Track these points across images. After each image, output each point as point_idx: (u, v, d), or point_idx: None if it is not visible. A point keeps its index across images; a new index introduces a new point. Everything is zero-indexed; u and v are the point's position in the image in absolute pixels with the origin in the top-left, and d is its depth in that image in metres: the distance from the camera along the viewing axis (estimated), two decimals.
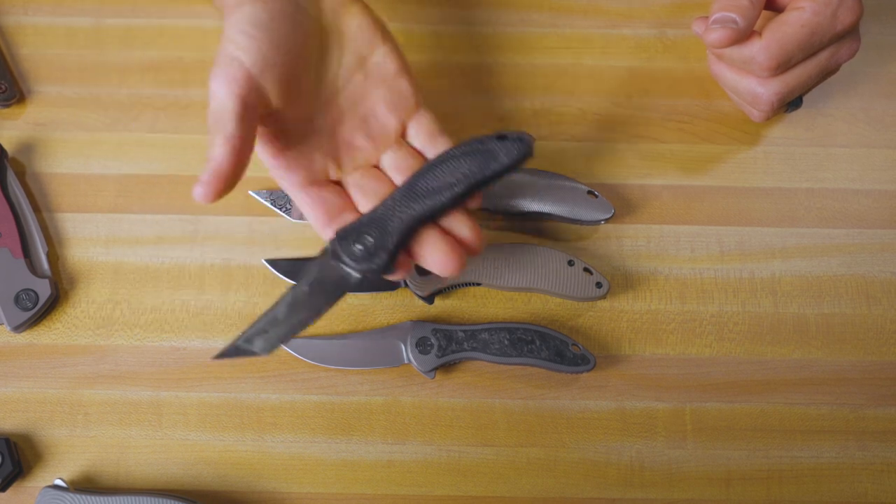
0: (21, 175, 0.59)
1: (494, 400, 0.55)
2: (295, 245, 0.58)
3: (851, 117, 0.62)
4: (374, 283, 0.57)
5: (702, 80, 0.62)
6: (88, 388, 0.55)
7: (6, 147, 0.59)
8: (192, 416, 0.55)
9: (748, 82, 0.55)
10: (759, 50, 0.52)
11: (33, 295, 0.55)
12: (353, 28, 0.50)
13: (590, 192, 0.57)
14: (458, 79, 0.62)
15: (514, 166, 0.47)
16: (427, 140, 0.50)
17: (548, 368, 0.55)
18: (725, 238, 0.59)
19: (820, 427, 0.55)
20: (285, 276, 0.57)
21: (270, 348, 0.47)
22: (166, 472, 0.54)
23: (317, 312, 0.47)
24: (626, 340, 0.56)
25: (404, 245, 0.47)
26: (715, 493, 0.54)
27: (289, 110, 0.47)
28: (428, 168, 0.47)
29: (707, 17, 0.53)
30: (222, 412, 0.55)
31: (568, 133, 0.61)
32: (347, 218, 0.48)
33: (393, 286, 0.57)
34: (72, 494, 0.51)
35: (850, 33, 0.54)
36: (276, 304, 0.47)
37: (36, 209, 0.58)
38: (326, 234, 0.48)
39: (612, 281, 0.57)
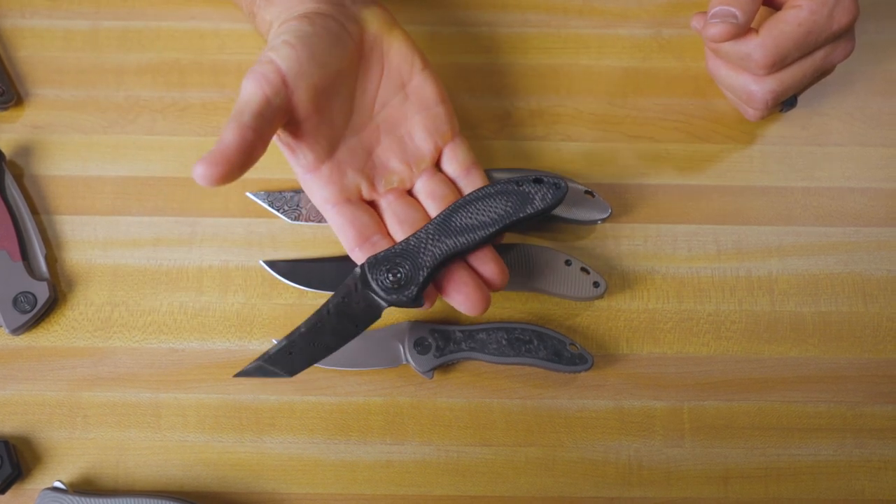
0: (19, 178, 0.59)
1: (493, 400, 0.55)
2: (293, 246, 0.58)
3: (847, 116, 0.62)
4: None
5: (698, 80, 0.62)
6: (87, 391, 0.55)
7: (4, 150, 0.59)
8: (190, 417, 0.55)
9: (743, 79, 0.55)
10: (755, 47, 0.52)
11: (32, 297, 0.55)
12: (395, 52, 0.51)
13: (587, 192, 0.57)
14: (455, 80, 0.62)
15: (548, 211, 0.49)
16: (461, 170, 0.52)
17: (546, 368, 0.55)
18: (722, 237, 0.59)
19: (817, 425, 0.55)
20: (283, 277, 0.57)
21: (294, 371, 0.48)
22: (165, 474, 0.54)
23: (342, 338, 0.48)
24: (623, 340, 0.57)
25: (433, 279, 0.48)
26: (713, 492, 0.54)
27: (321, 124, 0.48)
28: (463, 204, 0.47)
29: (706, 13, 0.53)
30: (221, 413, 0.55)
31: (564, 133, 0.61)
32: (377, 241, 0.49)
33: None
34: (71, 496, 0.51)
35: (846, 33, 0.54)
36: (300, 326, 0.47)
37: (34, 212, 0.58)
38: (356, 255, 0.49)
39: (609, 280, 0.57)
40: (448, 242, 0.47)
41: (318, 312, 0.48)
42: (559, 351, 0.54)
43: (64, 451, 0.54)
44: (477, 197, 0.49)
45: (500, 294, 0.57)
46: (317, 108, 0.47)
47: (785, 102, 0.58)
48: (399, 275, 0.47)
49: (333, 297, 0.48)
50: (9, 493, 0.53)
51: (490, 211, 0.48)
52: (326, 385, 0.55)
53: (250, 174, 0.59)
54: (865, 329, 0.57)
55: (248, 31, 0.63)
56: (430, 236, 0.47)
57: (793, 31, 0.52)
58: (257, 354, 0.56)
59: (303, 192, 0.58)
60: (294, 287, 0.57)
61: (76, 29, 0.63)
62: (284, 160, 0.60)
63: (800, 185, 0.60)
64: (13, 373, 0.56)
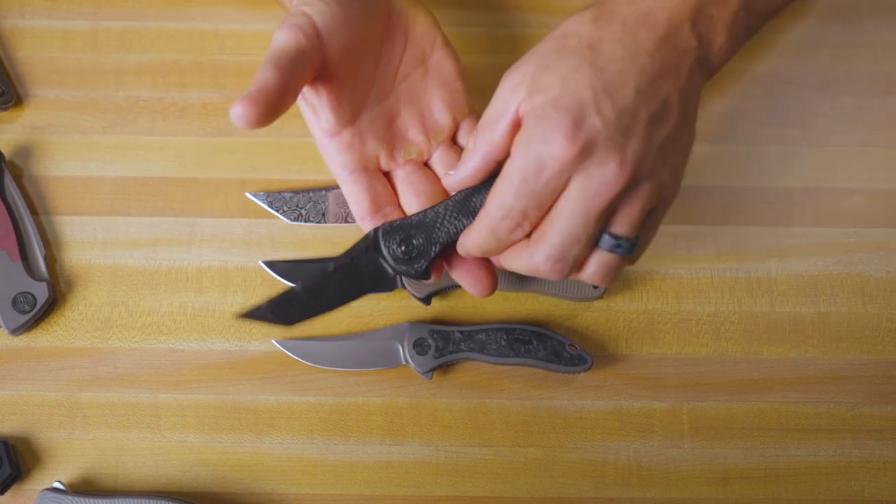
0: (18, 178, 0.59)
1: (492, 400, 0.55)
2: (292, 247, 0.58)
3: (847, 116, 0.62)
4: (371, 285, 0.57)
5: None
6: (86, 391, 0.55)
7: (3, 150, 0.59)
8: (190, 418, 0.55)
9: (521, 258, 0.44)
10: (481, 217, 0.44)
11: (31, 298, 0.55)
12: (419, 26, 0.51)
13: None
14: None
15: None
16: None
17: (545, 368, 0.55)
18: (721, 238, 0.59)
19: (817, 425, 0.55)
20: (283, 277, 0.57)
21: (292, 321, 0.47)
22: (165, 474, 0.54)
23: (344, 298, 0.48)
24: (622, 340, 0.57)
25: (443, 254, 0.47)
26: (712, 492, 0.54)
27: (346, 87, 0.47)
28: (483, 186, 0.46)
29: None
30: (220, 414, 0.55)
31: None
32: (389, 212, 0.49)
33: (391, 287, 0.57)
34: (70, 497, 0.51)
35: (589, 160, 0.41)
36: (304, 280, 0.47)
37: (33, 212, 0.58)
38: (366, 224, 0.49)
39: None
40: (464, 222, 0.46)
41: (324, 269, 0.47)
42: (558, 352, 0.54)
43: (63, 452, 0.54)
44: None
45: (499, 294, 0.57)
46: (345, 69, 0.47)
47: (616, 248, 0.44)
48: (411, 246, 0.46)
49: (341, 256, 0.47)
50: (8, 494, 0.53)
51: None
52: (326, 385, 0.55)
53: (250, 174, 0.60)
54: (864, 330, 0.57)
55: (248, 32, 0.63)
56: (448, 213, 0.47)
57: (505, 187, 0.42)
58: (257, 355, 0.56)
59: (302, 192, 0.58)
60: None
61: (76, 29, 0.63)
62: (284, 160, 0.60)
63: (799, 185, 0.60)
64: (12, 373, 0.56)
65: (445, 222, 0.47)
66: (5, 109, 0.61)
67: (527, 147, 0.42)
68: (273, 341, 0.56)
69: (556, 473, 0.54)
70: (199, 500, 0.53)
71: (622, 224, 0.43)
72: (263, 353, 0.56)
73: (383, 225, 0.47)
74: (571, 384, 0.56)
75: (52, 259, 0.58)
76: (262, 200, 0.58)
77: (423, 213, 0.47)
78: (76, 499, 0.51)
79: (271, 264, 0.57)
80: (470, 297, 0.57)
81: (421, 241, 0.46)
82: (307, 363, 0.55)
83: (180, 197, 0.59)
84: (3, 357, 0.56)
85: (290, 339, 0.56)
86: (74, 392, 0.55)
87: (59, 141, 0.60)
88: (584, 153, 0.41)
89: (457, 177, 0.46)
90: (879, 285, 0.58)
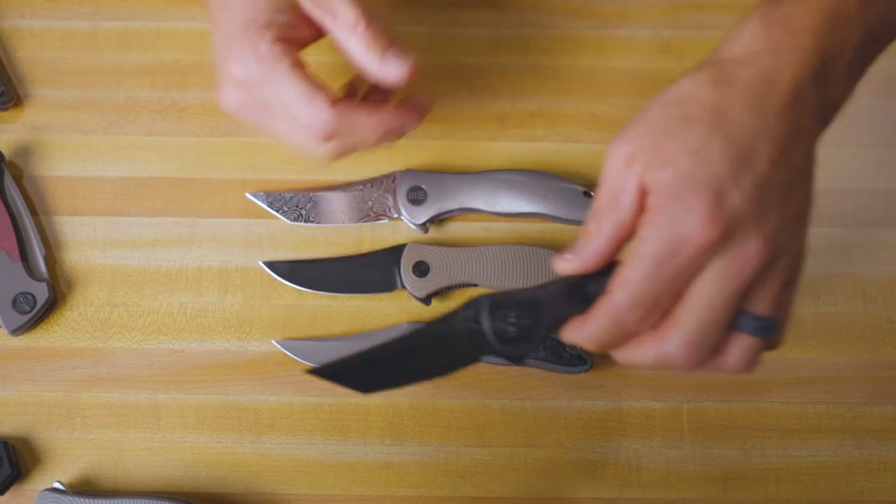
0: (18, 178, 0.59)
1: (492, 401, 0.55)
2: (292, 247, 0.58)
3: (846, 116, 0.61)
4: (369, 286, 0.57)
5: None
6: (86, 391, 0.55)
7: (3, 150, 0.59)
8: (189, 418, 0.55)
9: (646, 351, 0.41)
10: (604, 307, 0.40)
11: (31, 298, 0.55)
12: None
13: (586, 193, 0.57)
14: (454, 80, 0.62)
15: None
16: None
17: (545, 369, 0.55)
18: None
19: (817, 426, 0.55)
20: (282, 278, 0.57)
21: (369, 389, 0.43)
22: (164, 475, 0.54)
23: (433, 369, 0.43)
24: None
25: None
26: (712, 493, 0.54)
27: None
28: (600, 273, 0.41)
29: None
30: (220, 414, 0.55)
31: (564, 134, 0.61)
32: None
33: (391, 287, 0.57)
34: (70, 497, 0.51)
35: (734, 241, 0.38)
36: (389, 342, 0.43)
37: (33, 212, 0.58)
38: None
39: None
40: (576, 308, 0.41)
41: (415, 332, 0.43)
42: (558, 352, 0.54)
43: (63, 452, 0.54)
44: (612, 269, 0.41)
45: None
46: None
47: (760, 329, 0.40)
48: (518, 326, 0.41)
49: (435, 322, 0.43)
50: (8, 494, 0.53)
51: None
52: (326, 385, 0.55)
53: (249, 175, 0.60)
54: (865, 330, 0.57)
55: None
56: (560, 297, 0.42)
57: (635, 273, 0.39)
58: (257, 355, 0.56)
59: (302, 192, 0.58)
60: (293, 288, 0.57)
61: (75, 29, 0.63)
62: (284, 160, 0.60)
63: None
64: (12, 373, 0.55)
65: (555, 307, 0.42)
66: (5, 109, 0.60)
67: (660, 229, 0.38)
68: (273, 342, 0.56)
69: (556, 473, 0.54)
70: (199, 501, 0.53)
71: (762, 303, 0.39)
72: (263, 353, 0.56)
73: (490, 297, 0.42)
74: (571, 384, 0.56)
75: (52, 259, 0.58)
76: (262, 200, 0.58)
77: (532, 292, 0.42)
78: (76, 499, 0.51)
79: (271, 264, 0.57)
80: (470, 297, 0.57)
81: (527, 322, 0.41)
82: (307, 364, 0.55)
83: (180, 197, 0.59)
84: (3, 357, 0.56)
85: (290, 339, 0.56)
86: (74, 392, 0.55)
87: (59, 141, 0.60)
88: (726, 233, 0.37)
89: (578, 261, 0.41)
90: (879, 285, 0.58)
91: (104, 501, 0.51)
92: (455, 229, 0.59)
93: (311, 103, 0.47)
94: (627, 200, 0.39)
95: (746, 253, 0.38)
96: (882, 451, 0.55)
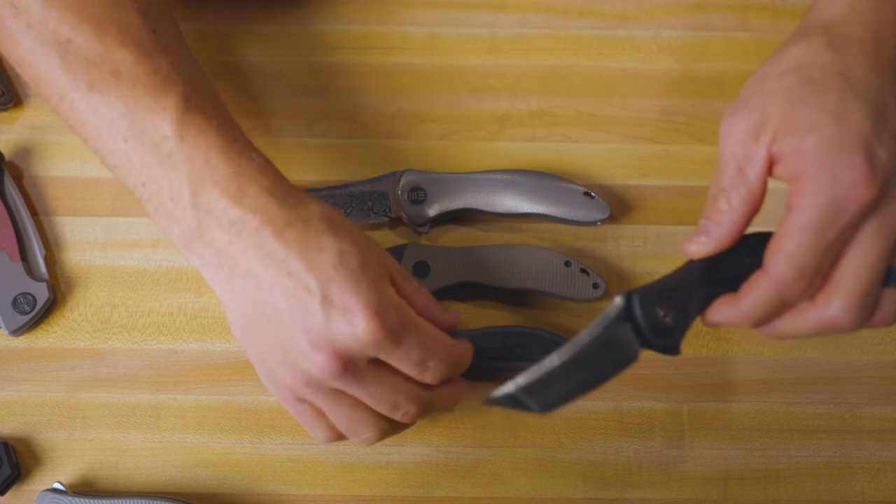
0: (18, 179, 0.59)
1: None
2: None
3: None
4: None
5: (697, 81, 0.62)
6: (86, 392, 0.55)
7: (3, 151, 0.59)
8: (190, 418, 0.55)
9: (808, 318, 0.41)
10: (764, 282, 0.40)
11: (31, 298, 0.55)
12: None
13: (586, 194, 0.57)
14: (454, 80, 0.62)
15: None
16: None
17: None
18: None
19: (817, 426, 0.55)
20: None
21: (548, 407, 0.42)
22: (164, 475, 0.54)
23: (599, 376, 0.43)
24: None
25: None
26: (712, 493, 0.54)
27: None
28: (737, 250, 0.42)
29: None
30: (220, 415, 0.55)
31: (564, 134, 0.61)
32: None
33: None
34: (70, 498, 0.51)
35: (887, 200, 0.39)
36: (556, 355, 0.42)
37: (33, 213, 0.58)
38: None
39: (608, 282, 0.57)
40: (717, 290, 0.41)
41: (575, 345, 0.42)
42: None
43: (63, 453, 0.54)
44: (743, 245, 0.42)
45: (498, 295, 0.57)
46: None
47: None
48: (671, 316, 0.41)
49: (593, 327, 0.42)
50: (8, 495, 0.53)
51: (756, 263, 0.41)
52: None
53: None
54: (865, 331, 0.57)
55: (248, 32, 0.63)
56: (698, 281, 0.41)
57: (798, 244, 0.39)
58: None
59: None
60: None
61: None
62: (284, 160, 0.59)
63: None
64: (12, 374, 0.56)
65: (697, 291, 0.41)
66: (5, 110, 0.60)
67: (817, 195, 0.38)
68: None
69: (557, 474, 0.54)
70: (198, 501, 0.53)
71: None
72: None
73: (639, 290, 0.42)
74: None
75: (51, 260, 0.58)
76: None
77: (672, 280, 0.42)
78: (76, 499, 0.51)
79: None
80: (470, 298, 0.57)
81: (678, 311, 0.41)
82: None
83: None
84: (3, 358, 0.56)
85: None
86: (74, 393, 0.55)
87: (59, 141, 0.60)
88: (881, 192, 0.38)
89: (713, 241, 0.41)
90: None
91: (104, 502, 0.51)
92: (455, 229, 0.59)
93: (444, 340, 0.44)
94: (756, 173, 0.40)
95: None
96: (883, 452, 0.55)
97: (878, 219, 0.39)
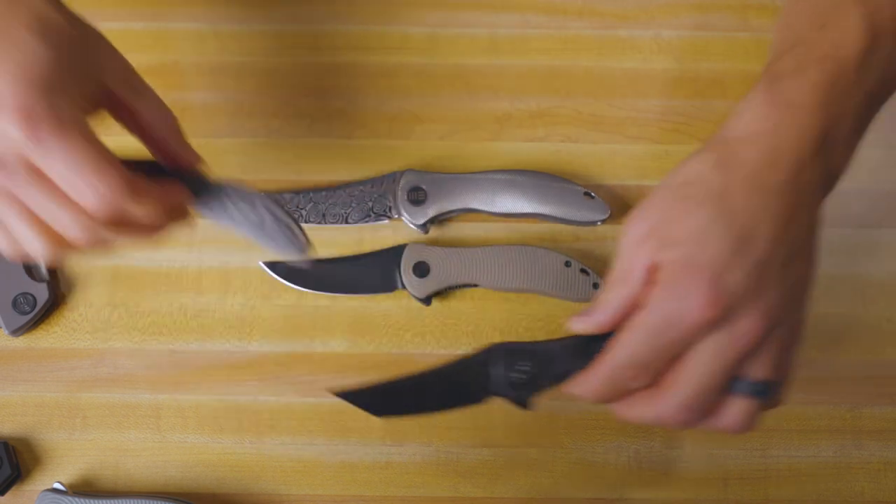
0: None
1: (492, 401, 0.55)
2: None
3: None
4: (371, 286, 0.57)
5: (697, 81, 0.62)
6: (87, 392, 0.55)
7: None
8: (190, 418, 0.55)
9: (646, 407, 0.42)
10: (601, 363, 0.42)
11: (31, 299, 0.55)
12: None
13: (586, 194, 0.57)
14: (454, 80, 0.62)
15: None
16: None
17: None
18: None
19: (817, 426, 0.55)
20: (283, 278, 0.57)
21: (382, 413, 0.47)
22: (165, 475, 0.54)
23: (438, 405, 0.46)
24: None
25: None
26: (712, 493, 0.54)
27: None
28: (607, 336, 0.44)
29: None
30: (220, 415, 0.55)
31: (564, 134, 0.61)
32: None
33: (391, 288, 0.57)
34: (70, 498, 0.51)
35: (739, 312, 0.39)
36: (408, 376, 0.45)
37: None
38: None
39: None
40: (579, 363, 0.44)
41: (432, 369, 0.45)
42: None
43: (63, 453, 0.54)
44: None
45: (499, 295, 0.57)
46: None
47: (757, 392, 0.42)
48: (528, 374, 0.44)
49: (451, 364, 0.45)
50: (8, 495, 0.53)
51: None
52: (326, 386, 0.55)
53: (250, 174, 0.59)
54: (865, 330, 0.57)
55: (248, 32, 0.63)
56: (566, 352, 0.44)
57: (633, 338, 0.41)
58: (257, 356, 0.56)
59: (302, 192, 0.58)
60: (294, 288, 0.57)
61: None
62: (284, 160, 0.60)
63: None
64: (13, 374, 0.56)
65: (562, 360, 0.45)
66: None
67: (661, 304, 0.40)
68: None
69: (557, 474, 0.54)
70: (199, 501, 0.53)
71: (760, 368, 0.41)
72: (263, 353, 0.56)
73: (504, 344, 0.45)
74: None
75: None
76: None
77: (543, 344, 0.45)
78: (76, 499, 0.51)
79: (271, 265, 0.57)
80: (471, 297, 0.57)
81: (535, 371, 0.44)
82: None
83: None
84: (4, 358, 0.56)
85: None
86: (75, 393, 0.55)
87: None
88: (723, 314, 0.39)
89: (587, 323, 0.43)
90: (879, 286, 0.58)
91: (104, 502, 0.51)
92: (455, 229, 0.59)
93: (103, 168, 0.43)
94: (636, 276, 0.41)
95: (743, 329, 0.39)
96: (883, 452, 0.55)
97: (720, 335, 0.40)
